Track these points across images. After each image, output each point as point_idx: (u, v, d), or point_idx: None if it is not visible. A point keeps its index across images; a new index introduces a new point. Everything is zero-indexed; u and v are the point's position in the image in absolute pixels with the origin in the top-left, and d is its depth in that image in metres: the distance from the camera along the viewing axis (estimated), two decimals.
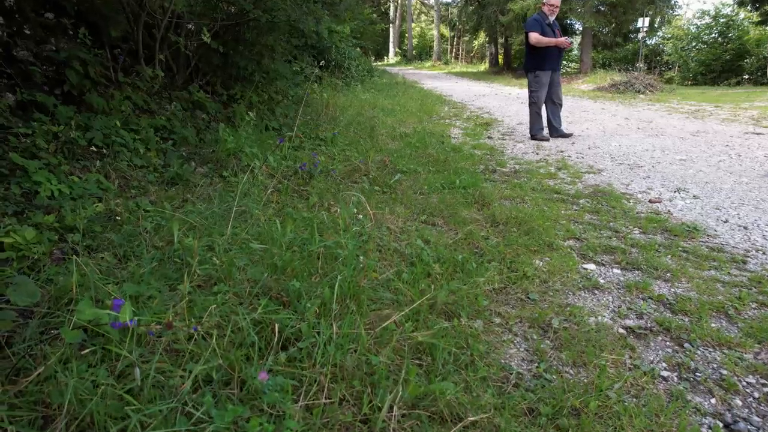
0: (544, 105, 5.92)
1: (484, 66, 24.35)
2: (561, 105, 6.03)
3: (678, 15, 19.76)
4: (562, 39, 5.57)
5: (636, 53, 26.54)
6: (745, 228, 2.86)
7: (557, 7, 5.66)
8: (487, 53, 23.69)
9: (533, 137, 5.89)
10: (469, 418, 1.19)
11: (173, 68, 5.48)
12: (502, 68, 21.87)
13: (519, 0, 16.11)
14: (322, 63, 11.09)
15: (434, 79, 19.85)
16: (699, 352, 1.64)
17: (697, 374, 1.52)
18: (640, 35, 15.48)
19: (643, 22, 15.00)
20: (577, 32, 17.60)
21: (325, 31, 5.55)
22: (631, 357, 1.60)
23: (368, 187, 3.64)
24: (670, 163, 4.64)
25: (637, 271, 2.27)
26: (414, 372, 1.32)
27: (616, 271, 2.29)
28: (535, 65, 5.70)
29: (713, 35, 23.14)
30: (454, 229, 2.75)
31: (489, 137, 6.31)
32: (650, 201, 3.39)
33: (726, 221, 2.98)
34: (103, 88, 4.23)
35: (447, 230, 2.76)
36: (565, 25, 19.71)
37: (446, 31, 32.61)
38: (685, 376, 1.52)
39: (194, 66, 5.59)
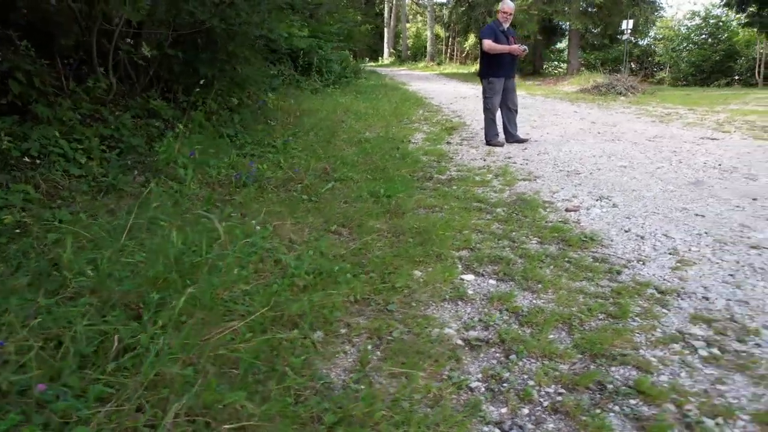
0: (499, 111, 5.99)
1: (475, 67, 24.37)
2: (516, 111, 6.10)
3: (663, 17, 19.68)
4: (515, 46, 5.65)
5: (628, 54, 26.55)
6: (642, 238, 2.94)
7: (511, 14, 5.73)
8: (479, 54, 23.70)
9: (488, 143, 5.97)
10: (242, 423, 1.29)
11: (132, 76, 5.59)
12: None
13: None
14: (297, 67, 11.20)
15: (423, 81, 19.91)
16: (520, 364, 1.73)
17: (504, 385, 1.61)
18: (624, 37, 15.48)
19: (627, 24, 15.02)
20: (566, 33, 17.63)
21: (282, 35, 5.61)
22: (451, 368, 1.69)
23: (297, 195, 3.74)
24: (609, 169, 4.71)
25: (510, 282, 2.36)
26: (215, 382, 1.41)
27: (491, 281, 2.38)
28: (489, 72, 5.78)
29: (703, 36, 23.12)
30: (356, 239, 2.84)
31: (448, 142, 6.39)
32: (566, 210, 3.47)
33: (628, 230, 3.06)
34: (53, 98, 4.34)
35: (348, 240, 2.85)
36: (556, 26, 19.73)
37: (442, 32, 32.66)
38: (492, 386, 1.61)
39: (154, 74, 5.70)
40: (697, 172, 4.57)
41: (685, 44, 23.47)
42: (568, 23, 16.17)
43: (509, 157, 5.30)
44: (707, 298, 2.20)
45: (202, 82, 5.41)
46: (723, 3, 18.71)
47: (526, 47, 5.79)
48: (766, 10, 16.67)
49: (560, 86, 16.29)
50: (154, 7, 5.06)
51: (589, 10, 15.95)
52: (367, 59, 41.14)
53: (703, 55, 22.39)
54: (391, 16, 35.03)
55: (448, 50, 32.68)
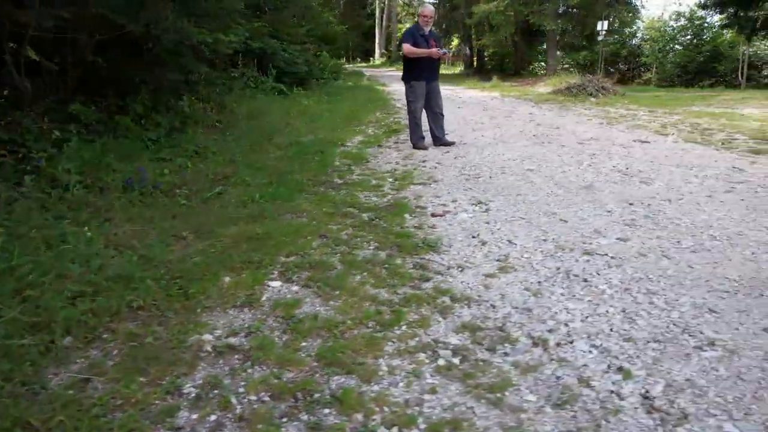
0: (424, 114, 6.01)
1: (459, 68, 24.44)
2: (442, 114, 6.11)
3: (638, 18, 19.57)
4: (434, 50, 5.66)
5: (615, 54, 26.44)
6: (484, 244, 2.95)
7: (430, 18, 5.75)
8: (462, 55, 23.75)
9: (414, 146, 5.99)
10: None
11: (56, 81, 5.64)
12: (476, 70, 21.92)
13: (482, 4, 16.17)
14: (262, 69, 11.24)
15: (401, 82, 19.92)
16: (249, 371, 1.75)
17: (215, 391, 1.63)
18: (600, 38, 15.44)
19: (602, 25, 14.98)
20: (546, 34, 17.61)
21: (206, 41, 5.62)
22: (177, 374, 1.71)
23: (179, 200, 3.77)
24: (513, 173, 4.72)
25: (310, 289, 2.38)
26: None
27: (294, 288, 2.40)
28: (410, 76, 5.79)
29: (688, 37, 23.00)
30: (194, 244, 2.87)
31: (380, 145, 6.41)
32: (432, 215, 3.49)
33: (476, 236, 3.07)
34: None
35: (187, 246, 2.87)
36: (536, 27, 19.66)
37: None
38: (203, 393, 1.63)
39: (81, 78, 5.74)
40: (597, 176, 4.57)
41: (670, 45, 23.38)
42: (544, 25, 16.11)
43: (424, 161, 5.31)
44: (494, 306, 2.21)
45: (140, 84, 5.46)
46: (699, 4, 18.60)
47: (446, 50, 5.80)
48: (742, 12, 16.57)
49: (537, 87, 16.27)
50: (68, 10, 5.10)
51: (565, 11, 15.91)
52: (359, 60, 41.30)
53: (687, 56, 22.29)
54: (383, 16, 35.07)
55: (451, 48, 32.62)
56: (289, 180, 4.33)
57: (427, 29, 5.73)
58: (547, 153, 5.62)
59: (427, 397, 1.62)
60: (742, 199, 3.88)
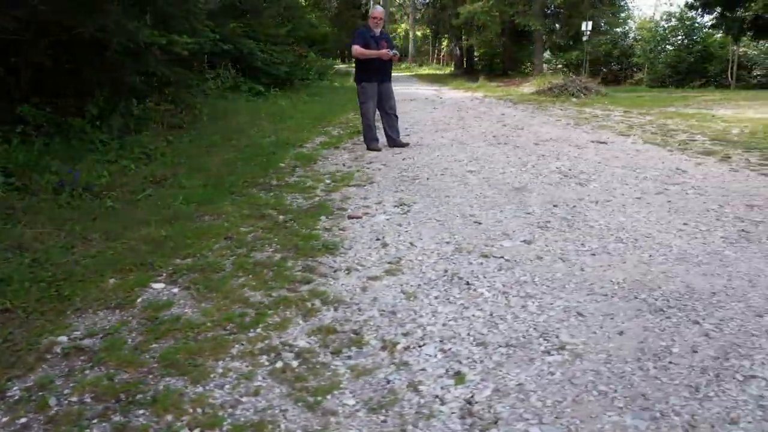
0: (377, 116, 6.01)
1: (448, 69, 24.41)
2: (396, 115, 6.12)
3: (621, 19, 19.46)
4: (384, 51, 5.66)
5: (608, 55, 26.39)
6: (385, 246, 2.96)
7: (381, 19, 5.75)
8: (453, 55, 23.73)
9: (368, 147, 5.99)
10: None
11: (6, 83, 5.66)
12: (465, 70, 21.91)
13: (467, 4, 16.16)
14: (239, 70, 11.28)
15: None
16: (86, 373, 1.76)
17: (40, 393, 1.65)
18: (585, 38, 15.41)
19: (586, 26, 14.95)
20: (532, 35, 17.59)
21: (159, 42, 5.62)
22: (6, 377, 1.73)
23: (107, 202, 3.78)
24: (452, 175, 4.72)
25: (188, 291, 2.39)
26: None
27: (174, 290, 2.41)
28: (361, 77, 5.80)
29: (679, 38, 22.97)
30: (98, 246, 2.89)
31: (337, 147, 6.42)
32: (349, 217, 3.50)
33: (380, 239, 3.08)
34: None
35: (90, 247, 2.89)
36: (524, 28, 19.63)
37: (429, 33, 32.68)
38: (22, 395, 1.64)
39: (33, 80, 5.77)
40: (536, 178, 4.57)
41: (661, 45, 23.33)
42: (529, 25, 16.09)
43: (371, 162, 5.32)
44: (360, 309, 2.22)
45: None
46: (687, 5, 18.55)
47: (396, 52, 5.80)
48: (728, 13, 16.52)
49: (522, 87, 16.25)
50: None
51: (549, 11, 15.90)
52: (351, 60, 41.28)
53: (678, 57, 22.25)
54: None
55: (435, 51, 32.68)
56: (224, 182, 4.34)
57: (377, 30, 5.73)
58: (497, 154, 5.62)
59: (246, 399, 1.63)
60: (669, 201, 3.88)
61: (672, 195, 4.05)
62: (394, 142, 6.10)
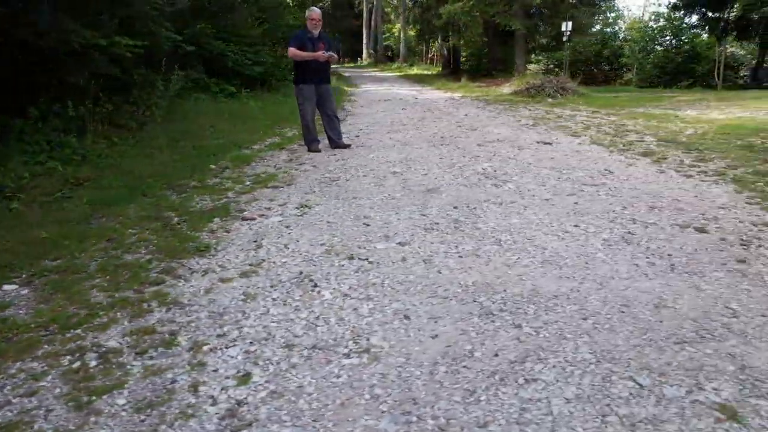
0: (316, 117, 6.03)
1: (437, 69, 24.39)
2: (336, 117, 6.13)
3: (600, 19, 19.33)
4: (320, 53, 5.68)
5: (597, 55, 26.29)
6: (258, 248, 2.98)
7: (318, 21, 5.76)
8: (441, 55, 23.73)
9: (308, 149, 6.02)
10: None
11: None
12: (452, 71, 21.89)
13: (447, 5, 16.16)
14: (211, 71, 11.32)
15: (375, 83, 19.93)
16: None
17: None
18: (564, 39, 15.38)
19: (566, 26, 14.92)
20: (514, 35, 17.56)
21: (100, 43, 5.64)
22: None
23: (13, 204, 3.82)
24: (374, 176, 4.73)
25: (36, 292, 2.42)
26: None
27: (24, 291, 2.44)
28: (298, 79, 5.82)
29: (667, 38, 22.87)
30: None
31: (283, 148, 6.44)
32: (243, 218, 3.52)
33: (257, 240, 3.10)
34: None
35: None
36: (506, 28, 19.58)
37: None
38: None
39: None
40: (455, 179, 4.58)
41: (650, 46, 23.24)
42: (509, 25, 16.07)
43: (302, 164, 5.34)
44: (191, 311, 2.24)
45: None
46: (671, 5, 18.48)
47: (332, 53, 5.81)
48: (711, 13, 16.44)
49: (502, 88, 16.21)
50: None
51: (532, 11, 15.88)
52: (346, 60, 41.36)
53: (666, 57, 22.16)
54: (370, 17, 35.09)
55: (429, 50, 32.67)
56: (143, 184, 4.37)
57: (315, 32, 5.74)
58: (432, 156, 5.63)
59: (17, 400, 1.66)
60: (576, 203, 3.88)
61: (583, 196, 4.05)
62: (335, 143, 6.12)
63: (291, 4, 21.62)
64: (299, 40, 5.65)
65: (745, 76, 19.80)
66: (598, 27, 24.96)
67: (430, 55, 28.46)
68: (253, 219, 3.50)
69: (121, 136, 6.48)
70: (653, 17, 23.93)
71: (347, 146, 6.15)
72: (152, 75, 8.72)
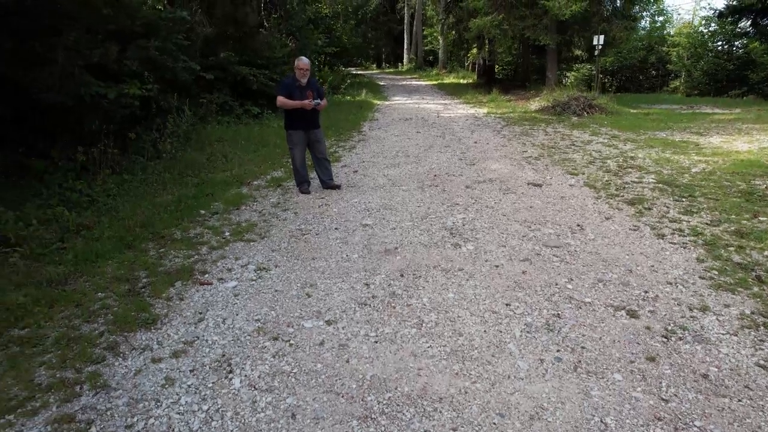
0: (305, 161, 6.31)
1: (473, 77, 24.15)
2: (327, 159, 6.39)
3: (633, 32, 18.45)
4: (306, 101, 5.93)
5: (643, 62, 25.24)
6: (200, 321, 3.27)
7: (306, 70, 6.01)
8: (477, 64, 23.50)
9: (299, 190, 6.31)
10: None
11: None
12: (486, 81, 21.67)
13: (476, 19, 16.06)
14: (236, 94, 11.88)
15: (406, 94, 20.06)
16: None
17: None
18: (596, 53, 14.95)
19: (598, 40, 14.50)
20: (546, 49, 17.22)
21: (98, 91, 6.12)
22: None
23: (4, 256, 4.32)
24: (344, 229, 4.95)
25: None
26: None
27: None
28: (288, 125, 6.09)
29: (719, 44, 21.72)
30: None
31: (280, 185, 6.76)
32: (200, 283, 3.83)
33: (202, 313, 3.40)
34: None
35: None
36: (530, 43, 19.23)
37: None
38: None
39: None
40: (419, 236, 4.72)
41: (700, 52, 22.13)
42: (538, 40, 15.80)
43: (286, 210, 5.62)
44: (111, 399, 2.56)
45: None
46: (717, 14, 17.52)
47: (319, 101, 6.05)
48: (761, 20, 15.51)
49: (530, 103, 15.98)
50: None
51: (565, 25, 15.54)
52: (387, 65, 41.58)
53: (717, 64, 21.06)
54: (412, 21, 35.12)
55: (467, 58, 32.39)
56: (130, 234, 4.78)
57: (303, 80, 6.01)
58: (411, 202, 5.77)
59: None
60: (524, 271, 3.97)
61: (535, 262, 4.12)
62: (326, 184, 6.40)
63: (329, 14, 22.10)
64: (287, 88, 5.93)
65: None
66: (643, 31, 23.98)
67: (467, 63, 28.19)
68: (209, 284, 3.81)
69: (133, 172, 7.00)
70: (704, 22, 22.75)
71: (337, 187, 6.40)
72: (171, 100, 9.29)
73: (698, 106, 16.65)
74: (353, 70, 29.74)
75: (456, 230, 4.87)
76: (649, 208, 5.47)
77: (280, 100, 5.89)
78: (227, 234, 4.89)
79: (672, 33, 25.08)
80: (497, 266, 4.07)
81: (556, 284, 3.74)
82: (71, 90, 5.79)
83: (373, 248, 4.46)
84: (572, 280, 3.82)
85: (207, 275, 3.96)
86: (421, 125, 12.04)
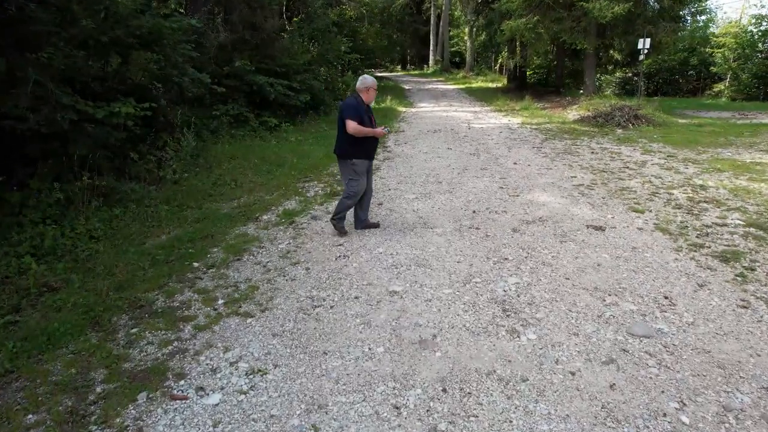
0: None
1: (502, 81, 22.84)
2: (371, 190, 5.39)
3: (680, 35, 16.87)
4: (379, 129, 4.97)
5: (684, 63, 23.61)
6: None
7: (376, 91, 5.05)
8: (507, 68, 22.23)
9: (335, 228, 5.30)
10: None
11: None
12: (517, 86, 20.38)
13: (509, 21, 14.87)
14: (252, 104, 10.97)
15: (433, 100, 18.97)
16: None
17: None
18: (641, 57, 13.62)
19: (643, 43, 13.18)
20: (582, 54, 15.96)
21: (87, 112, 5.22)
22: None
23: None
24: (365, 301, 3.93)
25: None
26: None
27: None
28: (354, 153, 5.00)
29: None
30: None
31: (293, 221, 5.79)
32: (171, 397, 2.85)
33: None
34: None
35: None
36: (566, 46, 17.92)
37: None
38: None
39: None
40: (461, 315, 3.67)
41: (748, 53, 20.52)
42: (577, 44, 14.55)
43: (296, 263, 4.62)
44: None
45: None
46: (754, 16, 15.95)
47: (388, 128, 5.12)
48: None
49: (567, 111, 14.75)
50: None
51: (604, 28, 14.28)
52: (413, 67, 40.35)
53: (767, 66, 19.47)
54: (438, 22, 33.87)
55: (496, 60, 31.13)
56: (101, 304, 3.83)
57: (371, 103, 5.06)
58: (448, 255, 4.72)
59: None
60: (613, 385, 2.88)
61: (625, 370, 3.03)
62: (362, 223, 5.41)
63: (353, 16, 21.13)
64: (358, 113, 4.87)
65: None
66: (684, 32, 22.41)
67: (497, 66, 26.87)
68: (184, 399, 2.83)
69: (126, 204, 6.08)
70: (754, 20, 21.10)
71: (376, 225, 5.44)
72: (175, 118, 8.41)
73: (751, 113, 15.20)
74: (376, 72, 28.61)
75: (509, 304, 3.80)
76: (752, 269, 4.33)
77: (356, 127, 4.82)
78: (220, 303, 3.91)
79: (716, 33, 23.40)
80: (573, 373, 2.99)
81: (664, 413, 2.65)
82: (47, 114, 4.88)
83: (403, 335, 3.41)
84: (685, 405, 2.72)
85: (183, 381, 2.97)
86: (452, 139, 10.97)
